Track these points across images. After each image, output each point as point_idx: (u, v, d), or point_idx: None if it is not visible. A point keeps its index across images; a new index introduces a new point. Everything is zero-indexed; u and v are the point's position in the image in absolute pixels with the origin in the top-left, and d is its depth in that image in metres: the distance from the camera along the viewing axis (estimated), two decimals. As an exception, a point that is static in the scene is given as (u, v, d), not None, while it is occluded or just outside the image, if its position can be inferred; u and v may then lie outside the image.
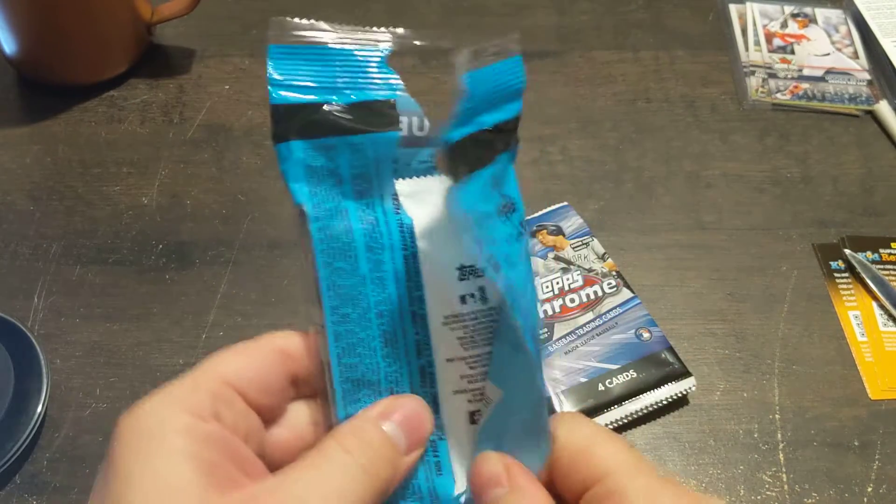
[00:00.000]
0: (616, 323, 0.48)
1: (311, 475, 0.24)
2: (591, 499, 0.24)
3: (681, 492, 0.24)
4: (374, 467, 0.25)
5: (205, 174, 0.58)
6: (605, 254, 0.52)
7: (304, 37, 0.26)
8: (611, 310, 0.49)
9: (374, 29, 0.27)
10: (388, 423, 0.26)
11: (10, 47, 0.61)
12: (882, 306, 0.52)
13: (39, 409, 0.44)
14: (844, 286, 0.53)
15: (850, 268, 0.54)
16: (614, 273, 0.51)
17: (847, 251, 0.54)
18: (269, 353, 0.27)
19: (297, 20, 0.26)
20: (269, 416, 0.27)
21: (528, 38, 0.69)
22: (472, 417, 0.28)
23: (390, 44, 0.27)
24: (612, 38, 0.69)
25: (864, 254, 0.54)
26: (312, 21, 0.26)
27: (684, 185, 0.59)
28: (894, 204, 0.58)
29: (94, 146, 0.60)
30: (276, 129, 0.27)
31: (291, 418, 0.28)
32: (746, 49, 0.68)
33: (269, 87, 0.26)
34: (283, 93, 0.26)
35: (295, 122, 0.27)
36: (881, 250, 0.54)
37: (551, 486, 0.26)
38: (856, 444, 0.46)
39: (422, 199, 0.28)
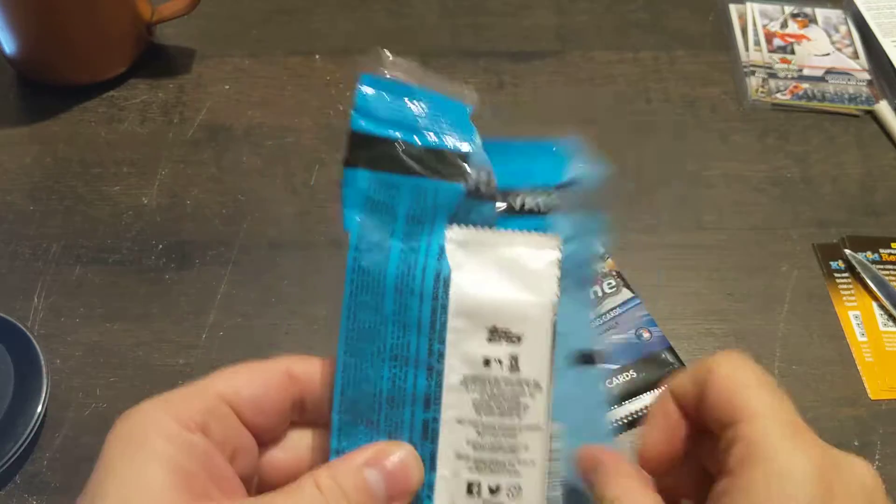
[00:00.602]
0: (616, 323, 0.48)
1: None
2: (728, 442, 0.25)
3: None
4: None
5: (205, 174, 0.58)
6: (605, 254, 0.52)
7: (397, 74, 0.27)
8: (611, 310, 0.49)
9: (464, 84, 0.28)
10: (371, 471, 0.25)
11: (10, 47, 0.61)
12: (882, 306, 0.52)
13: (39, 409, 0.44)
14: (844, 286, 0.53)
15: (850, 268, 0.54)
16: (614, 273, 0.51)
17: (847, 251, 0.54)
18: (275, 374, 0.27)
19: (394, 56, 0.27)
20: (267, 437, 0.28)
21: (529, 38, 0.69)
22: (470, 488, 0.27)
23: (476, 101, 0.28)
24: (612, 38, 0.69)
25: (864, 254, 0.54)
26: (409, 61, 0.27)
27: (684, 185, 0.59)
28: (894, 204, 0.58)
29: (94, 146, 0.60)
30: (349, 155, 0.27)
31: (292, 442, 0.28)
32: (746, 49, 0.68)
33: (352, 112, 0.27)
34: (363, 121, 0.27)
35: (367, 151, 0.27)
36: (881, 250, 0.54)
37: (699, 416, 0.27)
38: (856, 444, 0.46)
39: (472, 249, 0.27)
